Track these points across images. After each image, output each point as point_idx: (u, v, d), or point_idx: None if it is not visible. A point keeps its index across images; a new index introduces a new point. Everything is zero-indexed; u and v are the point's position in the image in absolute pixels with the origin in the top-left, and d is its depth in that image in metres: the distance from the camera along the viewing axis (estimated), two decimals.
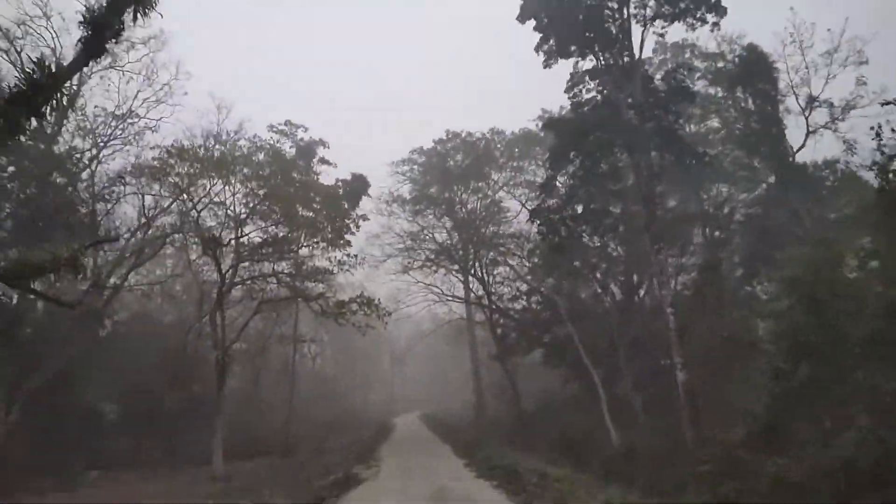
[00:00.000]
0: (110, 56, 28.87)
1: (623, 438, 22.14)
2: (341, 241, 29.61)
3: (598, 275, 30.40)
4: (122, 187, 28.17)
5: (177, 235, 29.66)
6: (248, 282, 29.67)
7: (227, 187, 27.85)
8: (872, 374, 12.46)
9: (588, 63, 24.87)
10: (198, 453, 26.29)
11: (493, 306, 40.50)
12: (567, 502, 12.91)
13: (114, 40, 10.47)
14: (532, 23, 24.76)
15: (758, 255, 26.15)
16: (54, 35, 26.50)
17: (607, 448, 21.94)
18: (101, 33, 10.18)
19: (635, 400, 24.39)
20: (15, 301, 25.51)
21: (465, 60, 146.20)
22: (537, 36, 24.94)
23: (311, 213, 28.98)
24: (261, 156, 29.93)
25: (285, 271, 30.46)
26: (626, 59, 23.38)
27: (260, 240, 29.11)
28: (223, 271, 26.84)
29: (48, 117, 10.01)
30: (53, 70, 9.51)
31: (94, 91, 29.61)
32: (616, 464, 19.00)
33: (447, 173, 41.85)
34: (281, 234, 28.99)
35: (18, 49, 25.22)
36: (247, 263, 29.25)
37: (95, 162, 29.36)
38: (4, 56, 24.94)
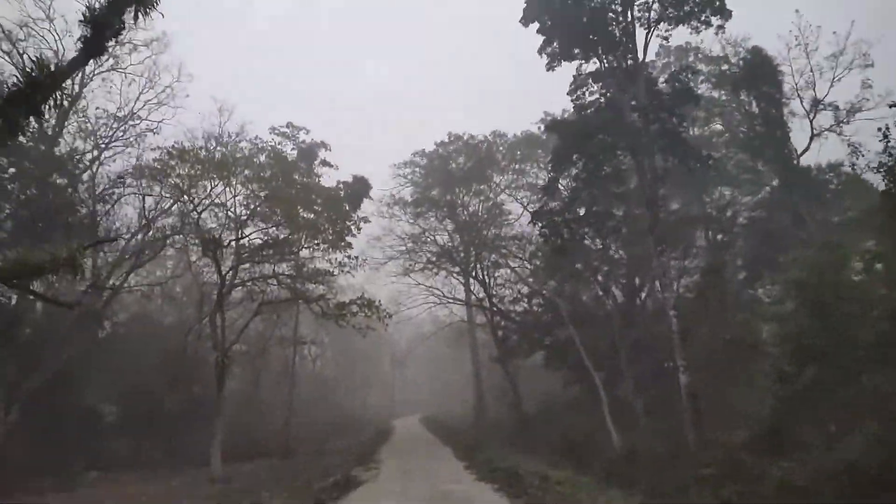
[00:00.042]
0: (112, 58, 29.09)
1: (624, 441, 22.03)
2: (342, 244, 29.48)
3: (600, 277, 30.34)
4: (122, 188, 28.17)
5: (177, 237, 29.60)
6: (249, 283, 29.55)
7: (227, 189, 27.77)
8: (878, 378, 12.36)
9: (591, 66, 24.87)
10: (197, 454, 26.18)
11: (495, 308, 40.39)
12: None
13: (114, 40, 10.38)
14: (535, 25, 24.71)
15: (761, 259, 26.11)
16: (57, 38, 26.51)
17: (609, 450, 21.82)
18: (101, 32, 10.10)
19: (637, 402, 24.31)
20: (14, 302, 25.50)
21: (466, 61, 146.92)
22: (540, 36, 24.89)
23: (312, 215, 28.86)
24: (262, 157, 29.88)
25: (286, 273, 30.34)
26: (629, 62, 23.30)
27: (260, 241, 29.01)
28: (223, 273, 26.71)
29: (47, 117, 9.91)
30: (53, 69, 9.40)
31: (95, 93, 29.82)
32: (617, 466, 18.85)
33: (449, 176, 41.76)
34: (282, 236, 28.89)
35: (21, 51, 25.16)
36: (247, 265, 29.15)
37: (97, 163, 29.36)
38: (7, 58, 24.89)
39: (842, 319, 13.19)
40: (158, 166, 26.37)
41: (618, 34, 23.42)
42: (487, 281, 41.43)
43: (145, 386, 29.11)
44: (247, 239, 28.61)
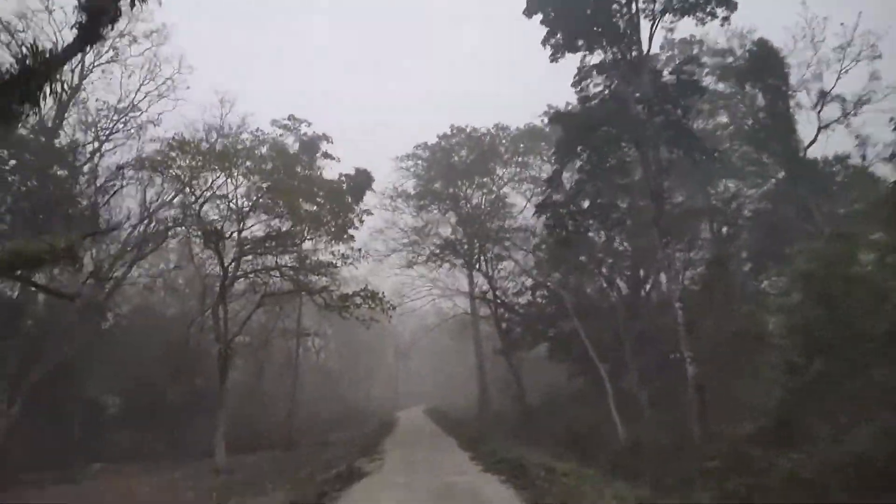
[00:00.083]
0: (112, 49, 29.06)
1: (629, 433, 21.93)
2: (345, 236, 29.39)
3: (604, 270, 30.20)
4: (122, 179, 28.16)
5: (179, 229, 29.57)
6: (251, 275, 29.51)
7: (229, 180, 27.69)
8: (886, 371, 12.21)
9: (596, 57, 24.52)
10: (200, 446, 26.23)
11: (498, 301, 40.29)
12: (575, 497, 12.67)
13: (110, 26, 10.23)
14: (538, 17, 24.44)
15: (766, 251, 25.95)
16: (56, 29, 26.35)
17: (613, 442, 21.72)
18: (96, 19, 9.97)
19: (641, 394, 24.19)
20: (17, 294, 25.49)
21: (468, 55, 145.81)
22: (543, 30, 24.61)
23: (314, 208, 28.77)
24: (264, 149, 29.81)
25: (288, 265, 30.27)
26: (634, 53, 23.02)
27: (263, 233, 28.96)
28: (226, 264, 26.64)
29: (46, 107, 9.76)
30: (47, 56, 9.26)
31: (95, 84, 29.72)
32: (622, 458, 18.76)
33: (452, 168, 41.58)
34: (284, 228, 28.81)
35: (20, 43, 25.04)
36: (250, 257, 29.10)
37: (97, 155, 29.29)
38: (6, 49, 24.78)
39: (850, 311, 13.04)
40: (159, 158, 26.27)
41: (622, 26, 23.13)
42: (491, 273, 41.33)
43: (148, 378, 29.16)
44: (249, 231, 28.57)
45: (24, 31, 25.85)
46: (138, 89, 30.06)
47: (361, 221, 30.91)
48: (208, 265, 32.85)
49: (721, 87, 30.58)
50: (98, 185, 28.46)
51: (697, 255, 29.37)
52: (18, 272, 13.10)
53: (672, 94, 23.04)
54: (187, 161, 25.95)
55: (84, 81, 28.92)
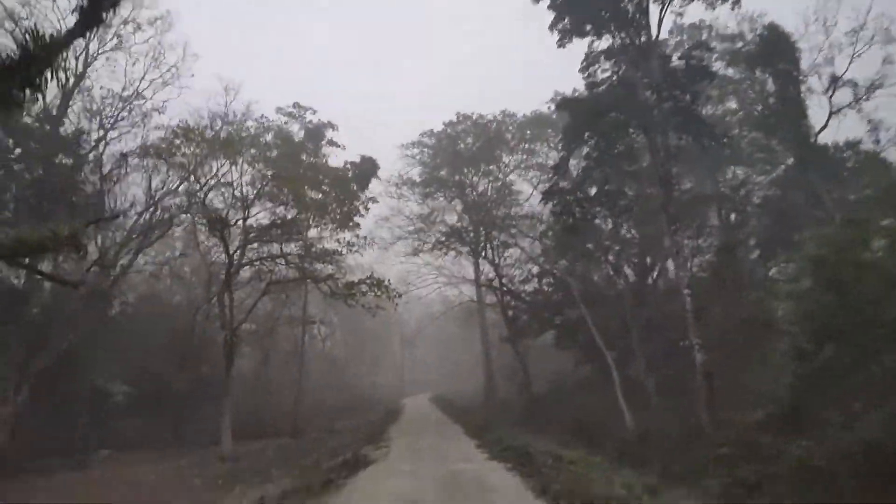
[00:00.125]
0: (116, 37, 28.93)
1: (637, 421, 21.83)
2: (350, 224, 29.28)
3: (611, 257, 30.01)
4: (126, 166, 28.09)
5: (184, 216, 29.53)
6: (257, 263, 29.45)
7: (234, 168, 27.59)
8: None
9: (604, 43, 24.23)
10: (206, 434, 26.31)
11: (504, 288, 40.17)
12: (583, 485, 12.59)
13: (112, 11, 10.03)
14: (546, 1, 24.16)
15: (775, 238, 25.72)
16: (60, 17, 26.12)
17: (621, 430, 21.62)
18: (98, 2, 9.75)
19: (648, 382, 24.05)
20: (22, 282, 25.48)
21: (473, 40, 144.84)
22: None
23: (319, 196, 28.65)
24: (268, 137, 29.66)
25: (294, 252, 30.19)
26: (643, 38, 22.70)
27: (268, 221, 28.88)
28: (231, 252, 26.57)
29: (44, 90, 9.56)
30: (48, 40, 9.08)
31: (100, 72, 29.47)
32: (630, 446, 18.67)
33: (458, 156, 41.40)
34: (289, 216, 28.73)
35: (23, 31, 24.86)
36: (255, 245, 29.04)
37: (102, 143, 29.18)
38: (10, 38, 24.61)
39: (861, 297, 12.84)
40: (164, 145, 26.17)
41: (631, 10, 22.74)
42: (497, 261, 41.16)
43: (154, 366, 29.16)
44: (254, 219, 28.50)
45: (27, 18, 25.70)
46: (143, 77, 29.95)
47: (367, 209, 30.85)
48: (214, 253, 32.77)
49: (730, 72, 30.28)
50: (103, 173, 28.42)
51: (706, 242, 29.13)
52: (22, 259, 13.05)
53: (681, 79, 22.70)
54: (192, 149, 25.84)
55: (88, 69, 28.81)
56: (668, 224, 21.52)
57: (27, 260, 14.72)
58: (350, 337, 63.28)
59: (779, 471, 11.80)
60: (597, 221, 27.08)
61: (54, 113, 27.27)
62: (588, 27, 23.81)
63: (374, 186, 36.04)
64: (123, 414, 28.87)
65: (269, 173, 27.63)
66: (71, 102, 28.17)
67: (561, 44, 24.30)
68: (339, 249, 29.82)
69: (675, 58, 24.62)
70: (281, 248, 29.79)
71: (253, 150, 27.75)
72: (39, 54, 9.05)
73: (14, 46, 9.09)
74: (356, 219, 29.56)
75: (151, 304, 35.14)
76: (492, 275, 41.61)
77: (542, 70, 41.80)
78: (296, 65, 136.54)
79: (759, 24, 27.79)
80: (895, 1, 26.05)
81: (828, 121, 26.29)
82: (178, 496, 16.36)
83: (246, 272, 30.68)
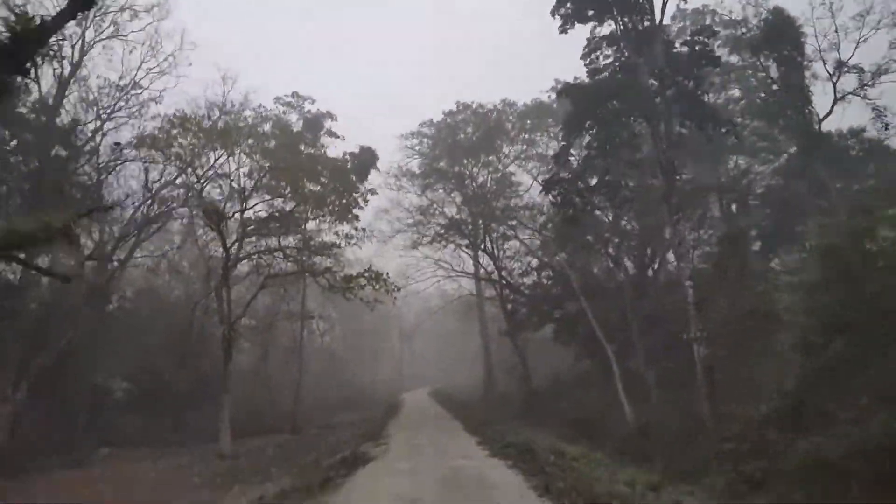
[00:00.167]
0: (112, 25, 28.62)
1: (637, 415, 21.64)
2: (349, 216, 29.01)
3: (611, 250, 29.75)
4: (120, 155, 27.89)
5: (182, 209, 29.34)
6: (255, 256, 29.21)
7: (231, 159, 27.33)
8: None
9: (606, 28, 24.01)
10: (206, 430, 26.10)
11: (504, 282, 39.94)
12: (586, 483, 12.36)
13: None
14: None
15: (778, 228, 25.46)
16: (56, 4, 25.76)
17: (622, 425, 21.45)
18: None
19: (648, 375, 23.80)
20: (18, 277, 25.23)
21: (473, 29, 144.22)
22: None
23: (318, 188, 28.37)
24: (266, 126, 29.38)
25: (292, 246, 29.94)
26: (646, 23, 22.43)
27: (266, 214, 28.64)
28: (228, 245, 26.31)
29: (35, 74, 9.26)
30: (38, 23, 8.78)
31: (96, 62, 29.28)
32: (631, 441, 18.53)
33: (457, 146, 41.04)
34: (288, 208, 28.48)
35: (13, 12, 24.53)
36: (253, 238, 28.80)
37: (99, 134, 28.92)
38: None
39: (872, 289, 12.56)
40: (160, 136, 25.90)
41: None
42: (496, 253, 40.92)
43: (153, 362, 29.06)
44: (252, 211, 28.25)
45: (23, 5, 25.34)
46: (140, 66, 29.72)
47: (366, 201, 30.54)
48: (212, 247, 32.54)
49: (733, 59, 29.94)
50: (100, 164, 28.20)
51: (707, 233, 28.89)
52: (14, 253, 12.77)
53: (685, 64, 22.43)
54: (189, 139, 25.57)
55: (84, 58, 28.54)
56: (670, 214, 21.29)
57: (22, 255, 14.49)
58: (349, 332, 63.10)
59: (785, 467, 11.56)
60: (597, 212, 26.83)
61: (50, 103, 26.99)
62: (590, 12, 23.55)
63: (374, 178, 35.89)
64: (123, 411, 28.76)
65: (267, 165, 27.36)
66: (67, 92, 27.98)
67: (563, 29, 24.08)
68: (338, 242, 29.62)
69: (678, 44, 24.33)
70: (279, 242, 29.54)
71: (250, 141, 27.49)
72: (30, 37, 8.76)
73: (3, 30, 8.78)
74: (355, 211, 29.27)
75: (150, 299, 34.97)
76: (491, 268, 41.41)
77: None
78: (291, 55, 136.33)
79: (764, 9, 27.35)
80: None
81: (832, 107, 25.80)
82: (177, 495, 16.18)
83: (245, 266, 30.50)
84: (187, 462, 21.80)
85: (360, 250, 32.61)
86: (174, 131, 25.41)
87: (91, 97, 28.87)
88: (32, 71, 9.25)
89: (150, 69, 29.84)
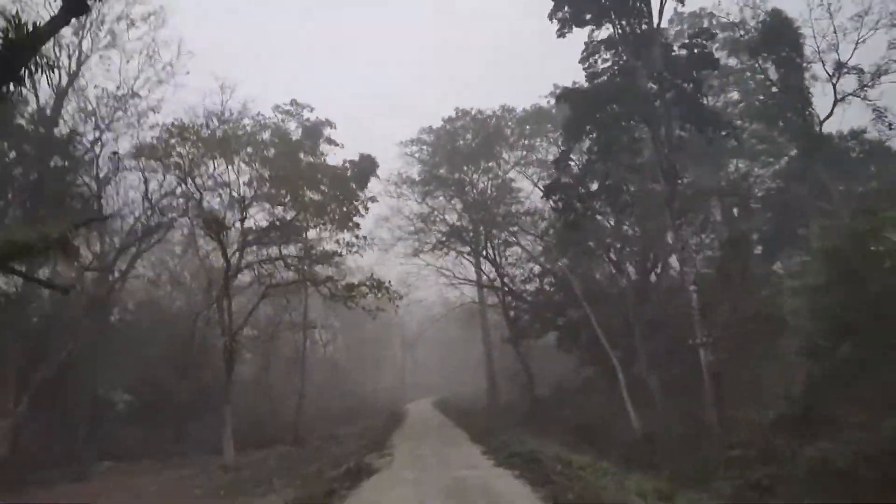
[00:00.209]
0: (109, 34, 28.60)
1: (643, 422, 21.46)
2: (350, 224, 28.91)
3: (613, 255, 29.64)
4: (118, 164, 27.88)
5: (183, 220, 29.30)
6: (255, 266, 29.08)
7: (230, 168, 27.27)
8: None
9: (604, 32, 23.99)
10: (208, 443, 25.96)
11: (506, 288, 39.82)
12: (595, 493, 12.18)
13: None
14: None
15: (780, 232, 25.34)
16: (52, 14, 25.76)
17: (627, 432, 21.28)
18: None
19: (652, 381, 23.64)
20: (20, 289, 25.14)
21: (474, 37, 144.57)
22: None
23: (318, 196, 28.29)
24: (265, 135, 29.32)
25: (293, 255, 29.83)
26: (644, 26, 22.39)
27: (266, 223, 28.55)
28: (228, 255, 26.20)
29: (27, 81, 9.12)
30: (31, 29, 8.68)
31: (94, 72, 29.12)
32: (637, 449, 18.33)
33: (457, 153, 41.01)
34: (288, 217, 28.39)
35: (4, 18, 24.50)
36: (254, 247, 28.70)
37: (98, 145, 28.89)
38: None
39: (878, 291, 12.43)
40: (159, 145, 25.86)
41: None
42: (498, 260, 40.80)
43: (155, 374, 28.93)
44: (252, 220, 28.21)
45: (25, 21, 25.33)
46: (137, 76, 29.60)
47: (366, 209, 30.47)
48: (213, 257, 32.44)
49: (731, 62, 29.89)
50: (99, 175, 28.16)
51: (708, 238, 28.79)
52: (11, 264, 12.66)
53: (684, 67, 22.39)
54: (187, 148, 25.51)
55: (82, 68, 28.44)
56: (673, 219, 21.19)
57: (22, 267, 14.40)
58: (351, 342, 62.92)
59: (794, 472, 11.44)
60: (598, 217, 26.75)
61: (48, 114, 26.97)
62: (588, 16, 23.53)
63: (374, 185, 35.82)
64: (124, 423, 28.62)
65: (267, 173, 27.30)
66: (65, 103, 27.91)
67: (561, 33, 24.07)
68: (339, 251, 29.49)
69: (676, 47, 24.30)
70: (280, 251, 29.44)
71: (249, 149, 27.43)
72: (23, 44, 8.66)
73: None
74: (356, 219, 29.17)
75: (151, 310, 34.89)
76: (493, 275, 41.29)
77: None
78: (291, 55, 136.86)
79: (762, 11, 27.27)
80: None
81: (832, 109, 25.59)
82: None
83: (246, 276, 30.36)
84: (189, 474, 21.65)
85: (362, 259, 32.51)
86: (172, 140, 25.34)
87: (89, 107, 28.80)
88: (29, 81, 9.09)
89: (148, 79, 29.78)
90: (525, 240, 39.01)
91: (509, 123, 39.84)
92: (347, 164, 32.99)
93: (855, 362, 12.40)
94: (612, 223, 29.07)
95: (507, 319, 39.27)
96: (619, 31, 23.18)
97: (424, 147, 42.92)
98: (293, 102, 34.52)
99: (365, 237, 30.48)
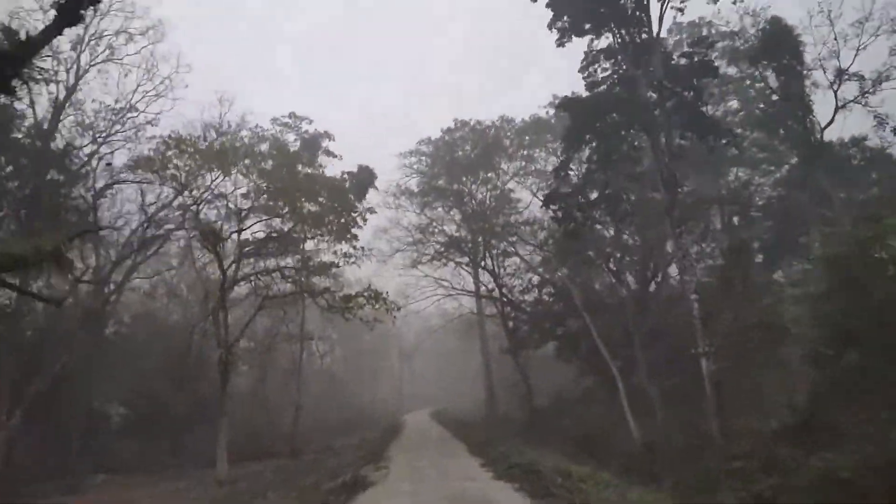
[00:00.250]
0: (108, 48, 28.63)
1: (643, 432, 21.24)
2: (348, 235, 28.79)
3: (612, 265, 29.50)
4: (114, 176, 27.83)
5: (179, 232, 29.17)
6: (252, 277, 28.94)
7: (228, 179, 27.18)
8: None
9: (603, 41, 23.89)
10: (204, 456, 25.67)
11: (505, 299, 39.65)
12: None
13: (91, 6, 9.54)
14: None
15: (781, 240, 25.22)
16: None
17: (627, 442, 21.06)
18: None
19: (652, 391, 23.42)
20: (13, 303, 24.99)
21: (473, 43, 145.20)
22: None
23: (316, 207, 28.18)
24: (263, 147, 29.28)
25: (290, 266, 29.68)
26: (643, 35, 22.31)
27: (263, 234, 28.43)
28: (225, 267, 26.05)
29: (19, 91, 8.98)
30: (24, 38, 8.57)
31: (92, 85, 29.13)
32: (638, 460, 18.10)
33: (455, 164, 40.99)
34: (286, 229, 28.27)
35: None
36: (251, 259, 28.56)
37: (95, 158, 28.82)
38: None
39: (882, 298, 12.28)
40: (156, 157, 25.80)
41: (630, 7, 22.40)
42: (497, 271, 40.64)
43: (150, 386, 28.79)
44: (249, 232, 28.07)
45: (17, 30, 25.30)
46: (136, 89, 29.73)
47: (365, 220, 30.39)
48: (209, 269, 32.31)
49: (731, 71, 29.87)
50: (96, 188, 28.08)
51: (709, 246, 28.67)
52: (4, 276, 12.51)
53: (684, 76, 22.31)
54: (184, 160, 25.43)
55: (80, 82, 28.50)
56: (673, 227, 21.03)
57: (15, 280, 14.27)
58: (349, 353, 62.69)
59: (799, 484, 11.20)
60: (598, 227, 26.61)
61: (45, 127, 26.91)
62: (587, 26, 23.45)
63: (372, 196, 35.76)
64: (119, 436, 28.50)
65: (265, 185, 27.20)
66: (62, 116, 27.96)
67: (560, 43, 23.96)
68: (337, 262, 29.37)
69: (675, 55, 24.25)
70: (277, 262, 29.32)
71: (247, 161, 27.35)
72: (15, 53, 8.53)
73: None
74: (354, 230, 29.07)
75: (147, 323, 34.74)
76: (491, 285, 41.11)
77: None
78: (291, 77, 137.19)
79: (762, 19, 27.25)
80: None
81: (833, 116, 25.49)
82: None
83: (243, 288, 30.21)
84: (184, 487, 21.59)
85: (360, 270, 32.44)
86: (169, 153, 25.28)
87: (87, 121, 28.89)
88: (26, 94, 8.99)
89: (147, 92, 29.88)
90: (524, 250, 38.87)
91: (508, 134, 39.85)
92: (346, 176, 32.92)
93: (858, 370, 12.25)
94: (612, 232, 28.95)
95: (505, 330, 39.05)
96: (619, 40, 23.07)
97: (423, 158, 42.94)
98: (292, 115, 34.62)
99: (363, 248, 30.49)
